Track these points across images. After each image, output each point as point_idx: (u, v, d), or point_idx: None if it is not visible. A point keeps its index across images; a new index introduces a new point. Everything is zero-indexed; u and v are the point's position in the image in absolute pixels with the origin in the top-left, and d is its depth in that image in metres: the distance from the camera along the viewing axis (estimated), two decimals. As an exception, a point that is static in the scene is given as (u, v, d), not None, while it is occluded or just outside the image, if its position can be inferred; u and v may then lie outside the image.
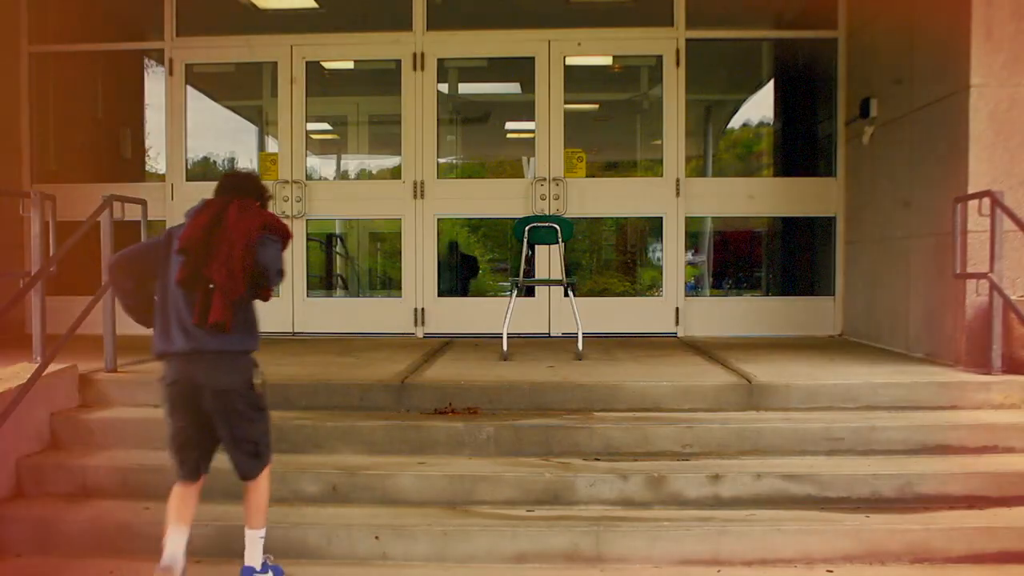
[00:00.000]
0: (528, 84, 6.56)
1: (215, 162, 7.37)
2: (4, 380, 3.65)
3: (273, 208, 6.37)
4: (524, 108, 6.75)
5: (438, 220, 6.52)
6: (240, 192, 2.95)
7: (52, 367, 3.86)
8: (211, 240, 2.80)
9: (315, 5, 6.83)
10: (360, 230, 7.71)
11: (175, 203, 6.55)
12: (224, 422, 2.86)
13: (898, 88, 5.36)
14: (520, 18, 6.61)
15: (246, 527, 3.01)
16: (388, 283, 7.24)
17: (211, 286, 2.74)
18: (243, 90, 7.54)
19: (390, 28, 6.50)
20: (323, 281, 7.70)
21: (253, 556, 3.02)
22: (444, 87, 6.91)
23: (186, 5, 6.56)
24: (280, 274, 2.91)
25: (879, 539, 3.15)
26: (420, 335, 6.41)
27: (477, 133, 8.02)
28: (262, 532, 3.02)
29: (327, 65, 6.84)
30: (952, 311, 4.65)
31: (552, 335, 6.42)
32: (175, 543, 2.83)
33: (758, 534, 3.16)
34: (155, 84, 6.84)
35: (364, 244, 7.87)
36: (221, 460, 3.60)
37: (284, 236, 2.93)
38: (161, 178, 6.70)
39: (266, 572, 3.06)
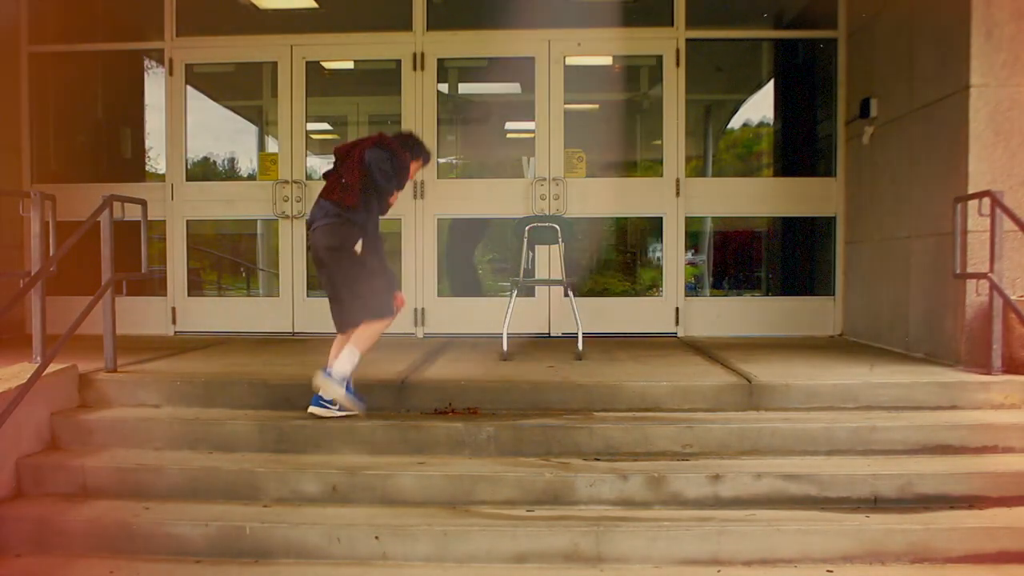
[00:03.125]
0: (528, 84, 6.56)
1: (215, 162, 7.37)
2: (4, 380, 3.65)
3: (273, 208, 6.44)
4: (524, 108, 6.74)
5: (438, 220, 6.52)
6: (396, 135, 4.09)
7: (52, 367, 3.86)
8: (350, 152, 3.91)
9: (315, 5, 6.83)
10: (360, 230, 7.70)
11: (175, 203, 6.56)
12: (338, 277, 3.88)
13: (898, 88, 5.37)
14: (520, 18, 6.60)
15: (349, 343, 3.85)
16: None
17: (343, 180, 3.85)
18: (243, 90, 7.54)
19: (390, 28, 6.50)
20: (323, 281, 7.69)
21: (339, 365, 3.79)
22: (444, 87, 6.90)
23: (186, 5, 6.56)
24: (382, 173, 3.85)
25: (879, 539, 3.16)
26: (420, 335, 6.41)
27: (477, 133, 8.01)
28: (357, 354, 3.82)
29: (327, 65, 6.84)
30: (952, 311, 4.65)
31: (552, 335, 6.42)
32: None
33: (758, 534, 3.16)
34: (155, 84, 6.84)
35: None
36: (216, 459, 3.62)
37: (397, 152, 3.94)
38: (161, 178, 6.70)
39: (342, 384, 3.78)
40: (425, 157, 4.17)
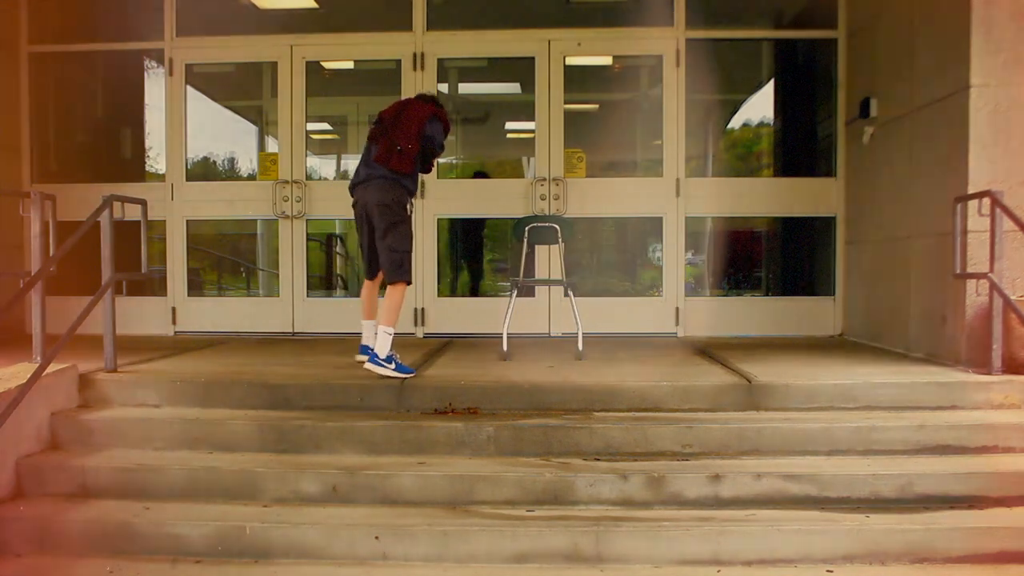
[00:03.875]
0: (528, 84, 6.56)
1: (215, 162, 7.37)
2: (4, 380, 3.65)
3: (273, 208, 6.45)
4: (524, 108, 6.75)
5: (438, 220, 6.52)
6: (421, 97, 4.56)
7: (52, 367, 3.86)
8: (399, 118, 4.34)
9: (315, 5, 6.83)
10: (360, 230, 7.71)
11: (175, 203, 6.56)
12: (379, 231, 4.28)
13: (898, 88, 5.37)
14: (520, 18, 6.60)
15: (378, 323, 4.25)
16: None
17: (398, 148, 4.25)
18: (243, 90, 7.54)
19: (390, 28, 6.50)
20: (323, 281, 7.70)
21: (379, 345, 4.19)
22: (444, 87, 6.90)
23: (186, 5, 6.56)
24: (440, 146, 4.44)
25: (879, 539, 3.16)
26: (420, 335, 6.41)
27: (477, 133, 8.02)
28: (389, 330, 4.21)
29: (327, 65, 6.84)
30: (952, 311, 4.65)
31: (552, 335, 6.42)
32: (367, 330, 4.50)
33: (758, 534, 3.16)
34: (155, 84, 6.84)
35: (364, 244, 7.87)
36: (216, 459, 3.62)
37: (445, 122, 4.47)
38: (161, 178, 6.71)
39: (389, 363, 4.18)
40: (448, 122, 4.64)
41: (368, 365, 4.18)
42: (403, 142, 4.25)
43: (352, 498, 3.43)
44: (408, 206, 4.37)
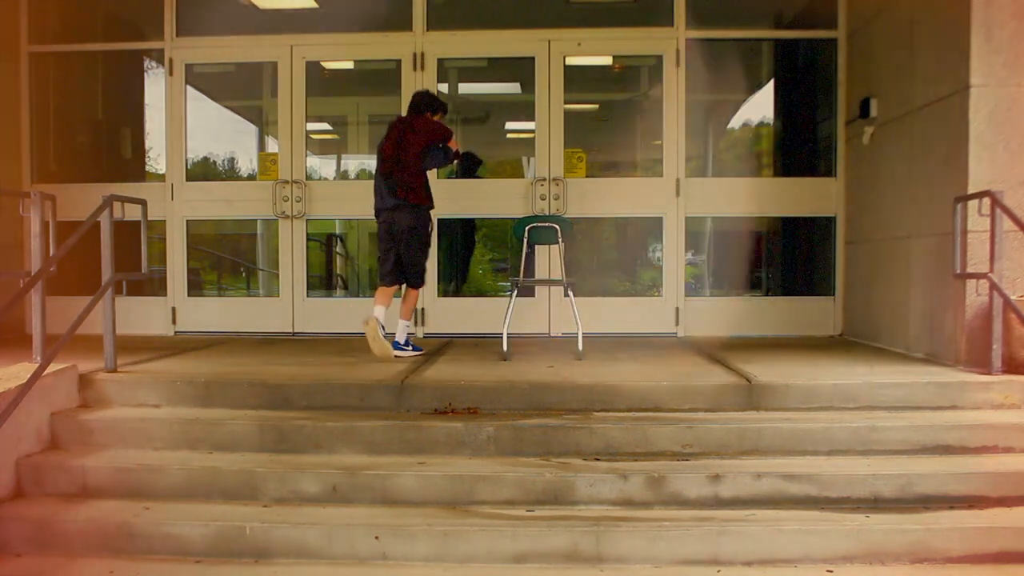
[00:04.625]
0: (528, 84, 6.56)
1: (215, 162, 7.37)
2: (4, 380, 3.65)
3: (273, 208, 6.44)
4: (524, 108, 6.75)
5: (438, 220, 6.51)
6: (419, 109, 5.04)
7: (52, 367, 3.86)
8: (399, 152, 4.89)
9: (315, 5, 6.83)
10: (360, 230, 7.71)
11: (175, 203, 6.56)
12: (404, 249, 4.95)
13: (898, 88, 5.37)
14: (520, 18, 6.61)
15: (399, 318, 5.08)
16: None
17: (411, 187, 4.87)
18: (243, 90, 7.54)
19: (390, 28, 6.50)
20: (323, 281, 7.70)
21: (400, 335, 5.05)
22: (444, 87, 6.90)
23: (186, 5, 6.56)
24: (447, 157, 5.09)
25: (879, 539, 3.16)
26: (420, 335, 6.41)
27: (477, 133, 8.01)
28: (408, 322, 5.10)
29: (327, 65, 6.84)
30: (952, 311, 4.65)
31: (552, 335, 6.42)
32: (378, 311, 4.87)
33: (758, 534, 3.16)
34: (155, 84, 6.84)
35: (364, 244, 7.86)
36: (216, 459, 3.62)
37: (446, 139, 5.01)
38: (161, 178, 6.71)
39: (407, 346, 5.07)
40: (444, 110, 5.15)
41: (394, 351, 4.93)
42: (410, 178, 4.88)
43: (352, 498, 3.43)
44: (431, 225, 5.06)
